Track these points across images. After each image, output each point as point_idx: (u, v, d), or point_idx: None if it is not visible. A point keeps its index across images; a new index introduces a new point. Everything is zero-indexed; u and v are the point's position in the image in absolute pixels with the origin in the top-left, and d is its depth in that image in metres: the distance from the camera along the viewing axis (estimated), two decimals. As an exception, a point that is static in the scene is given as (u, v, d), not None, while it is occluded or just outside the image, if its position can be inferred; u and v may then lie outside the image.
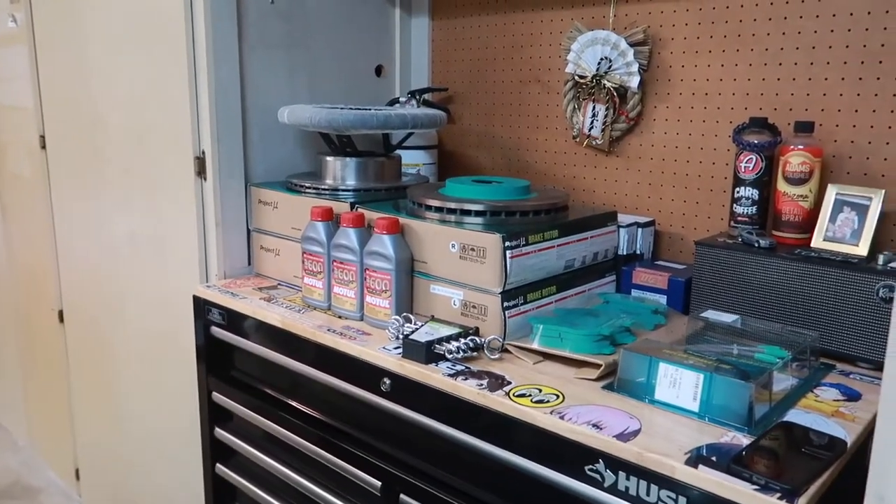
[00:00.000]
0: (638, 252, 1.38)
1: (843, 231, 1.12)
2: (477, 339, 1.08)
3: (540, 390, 0.96)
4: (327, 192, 1.38)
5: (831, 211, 1.14)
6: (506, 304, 1.10)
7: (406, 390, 1.05)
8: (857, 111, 1.20)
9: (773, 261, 1.11)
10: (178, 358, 1.61)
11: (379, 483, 1.11)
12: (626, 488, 0.81)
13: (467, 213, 1.17)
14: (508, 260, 1.08)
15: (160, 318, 1.66)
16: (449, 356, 1.05)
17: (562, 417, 0.88)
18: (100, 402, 2.00)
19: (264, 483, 1.37)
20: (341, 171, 1.42)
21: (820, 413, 0.90)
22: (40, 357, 2.32)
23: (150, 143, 1.58)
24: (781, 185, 1.20)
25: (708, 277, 1.18)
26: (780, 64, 1.27)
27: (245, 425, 1.38)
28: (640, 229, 1.37)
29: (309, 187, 1.40)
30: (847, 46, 1.19)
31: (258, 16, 1.47)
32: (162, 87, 1.50)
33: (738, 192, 1.24)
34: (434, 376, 1.01)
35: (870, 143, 1.19)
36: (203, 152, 1.44)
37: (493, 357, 1.07)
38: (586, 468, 0.85)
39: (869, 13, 1.16)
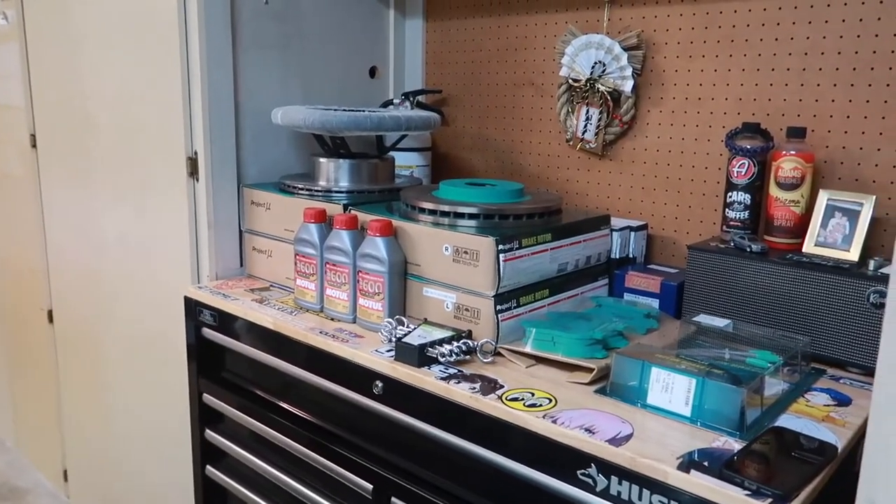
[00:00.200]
0: (631, 256, 1.38)
1: (834, 236, 1.13)
2: (470, 342, 1.08)
3: (533, 394, 0.96)
4: (320, 193, 1.38)
5: (823, 216, 1.14)
6: (499, 307, 1.10)
7: (398, 393, 1.05)
8: (848, 117, 1.20)
9: (765, 266, 1.12)
10: (168, 359, 1.60)
11: (370, 486, 1.11)
12: (619, 493, 0.81)
13: (461, 215, 1.17)
14: (502, 263, 1.08)
15: (151, 319, 1.65)
16: (441, 359, 1.05)
17: (554, 421, 0.88)
18: (89, 403, 1.99)
19: (255, 486, 1.36)
20: (334, 172, 1.41)
21: (811, 418, 0.91)
22: (29, 357, 2.31)
23: (142, 143, 1.57)
24: (773, 191, 1.20)
25: (700, 282, 1.19)
26: (773, 69, 1.27)
27: (236, 427, 1.38)
28: (632, 233, 1.37)
29: (302, 189, 1.39)
30: (839, 53, 1.20)
31: (252, 16, 1.47)
32: (154, 87, 1.49)
33: (730, 197, 1.25)
34: (426, 379, 1.01)
35: (861, 149, 1.20)
36: (196, 153, 1.44)
37: (485, 360, 1.07)
38: (578, 472, 0.85)
39: (861, 20, 1.17)
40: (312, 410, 1.23)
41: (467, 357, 1.07)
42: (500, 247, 1.08)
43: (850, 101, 1.20)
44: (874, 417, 0.66)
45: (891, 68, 1.15)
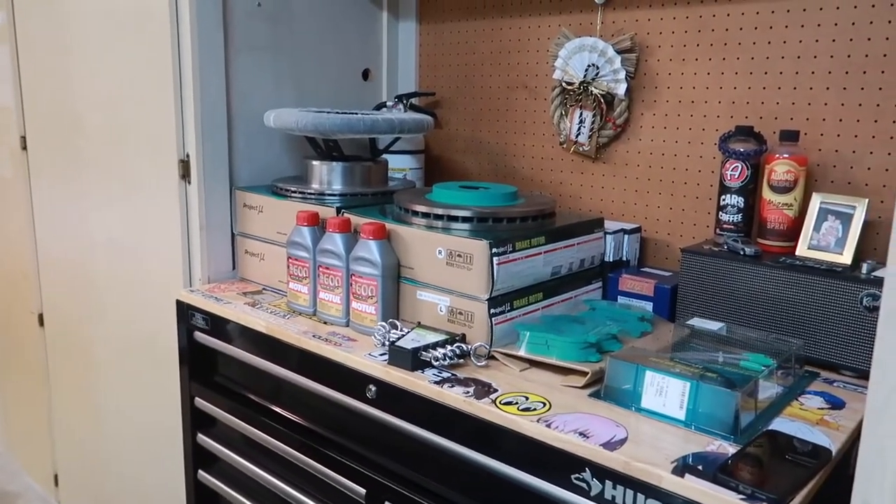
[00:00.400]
0: (624, 259, 1.38)
1: (827, 239, 1.13)
2: (463, 345, 1.08)
3: (527, 398, 0.95)
4: (313, 196, 1.37)
5: (816, 219, 1.15)
6: (492, 310, 1.09)
7: (392, 397, 1.04)
8: (841, 121, 1.21)
9: (759, 269, 1.12)
10: (160, 363, 1.59)
11: (364, 490, 1.10)
12: (613, 497, 0.81)
13: (454, 219, 1.16)
14: (495, 266, 1.08)
15: (142, 323, 1.64)
16: (435, 363, 1.05)
17: (548, 425, 0.87)
18: (80, 407, 1.97)
19: (247, 490, 1.36)
20: (327, 175, 1.41)
21: (805, 421, 0.91)
22: (19, 361, 2.29)
23: (133, 146, 1.56)
24: (767, 194, 1.20)
25: (694, 285, 1.19)
26: (766, 73, 1.28)
27: (228, 431, 1.37)
28: (626, 236, 1.37)
29: (295, 191, 1.39)
30: (832, 56, 1.20)
31: (244, 18, 1.46)
32: (146, 89, 1.48)
33: (723, 200, 1.25)
34: (420, 383, 1.00)
35: (854, 152, 1.20)
36: (187, 155, 1.43)
37: (479, 364, 1.06)
38: (573, 477, 0.84)
39: (853, 24, 1.17)
40: (305, 415, 1.23)
41: (461, 361, 1.07)
42: (494, 250, 1.08)
43: (843, 104, 1.20)
44: (868, 420, 0.66)
45: (883, 72, 1.16)
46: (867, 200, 1.11)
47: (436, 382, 1.00)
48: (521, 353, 1.06)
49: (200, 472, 1.45)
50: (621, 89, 1.43)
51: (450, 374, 1.03)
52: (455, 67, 1.75)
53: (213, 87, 1.41)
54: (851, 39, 1.18)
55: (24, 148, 1.97)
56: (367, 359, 1.08)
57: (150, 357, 1.63)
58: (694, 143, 1.38)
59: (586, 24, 1.49)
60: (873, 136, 1.18)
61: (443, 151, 1.81)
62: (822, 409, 0.95)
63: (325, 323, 1.25)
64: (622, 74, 1.42)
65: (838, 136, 1.21)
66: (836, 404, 0.96)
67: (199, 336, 1.39)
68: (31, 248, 2.02)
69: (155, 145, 1.48)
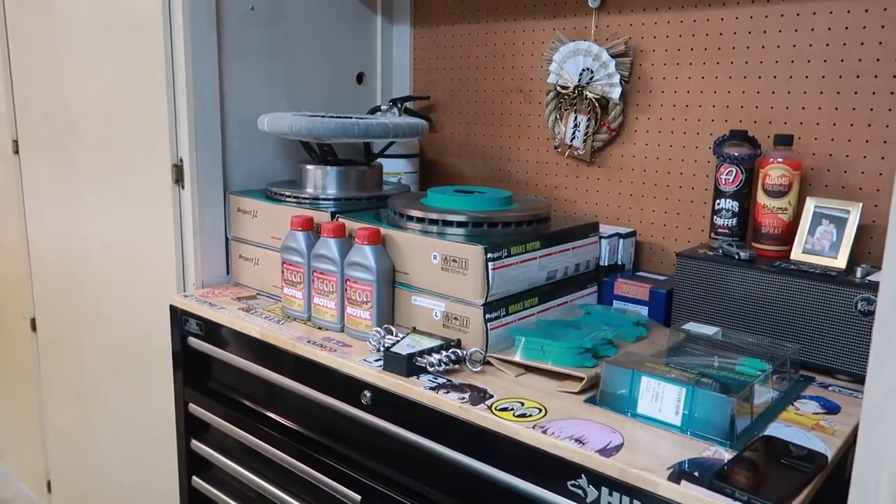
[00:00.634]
0: (619, 263, 1.38)
1: (821, 244, 1.13)
2: (459, 351, 1.07)
3: (522, 404, 0.95)
4: (307, 201, 1.37)
5: (810, 223, 1.15)
6: (488, 315, 1.09)
7: (387, 403, 1.04)
8: (835, 125, 1.21)
9: (753, 273, 1.12)
10: (154, 368, 1.58)
11: (359, 497, 1.10)
12: None
13: (449, 223, 1.16)
14: (490, 271, 1.08)
15: (136, 328, 1.63)
16: (430, 369, 1.04)
17: (544, 432, 0.87)
18: (73, 413, 1.96)
19: (242, 496, 1.35)
20: (322, 179, 1.40)
21: (800, 426, 0.91)
22: (11, 366, 2.27)
23: (126, 150, 1.55)
24: (761, 198, 1.20)
25: (689, 289, 1.19)
26: (760, 77, 1.28)
27: (222, 437, 1.36)
28: (621, 240, 1.37)
29: (289, 196, 1.38)
30: (825, 61, 1.20)
31: (238, 21, 1.46)
32: (139, 93, 1.48)
33: (718, 204, 1.25)
34: (415, 389, 1.00)
35: (848, 156, 1.21)
36: (181, 160, 1.42)
37: (474, 370, 1.06)
38: (568, 483, 0.84)
39: (847, 28, 1.18)
40: (300, 420, 1.22)
41: (456, 366, 1.06)
42: (489, 255, 1.07)
43: (837, 108, 1.21)
44: (864, 425, 0.66)
45: (876, 76, 1.16)
46: (861, 204, 1.12)
47: (431, 388, 0.99)
48: (517, 358, 1.06)
49: (194, 478, 1.45)
50: (616, 93, 1.43)
51: (445, 380, 1.02)
52: (449, 71, 1.75)
53: (206, 91, 1.41)
54: (845, 44, 1.18)
55: (17, 152, 1.96)
56: (362, 364, 1.08)
57: (144, 362, 1.62)
58: (689, 147, 1.38)
59: (581, 29, 1.49)
60: (867, 141, 1.18)
61: (437, 155, 1.81)
62: (817, 413, 0.95)
63: (319, 328, 1.25)
64: (617, 78, 1.42)
65: (832, 140, 1.22)
66: (831, 409, 0.96)
67: (193, 341, 1.38)
68: (24, 253, 2.01)
69: (148, 150, 1.47)
